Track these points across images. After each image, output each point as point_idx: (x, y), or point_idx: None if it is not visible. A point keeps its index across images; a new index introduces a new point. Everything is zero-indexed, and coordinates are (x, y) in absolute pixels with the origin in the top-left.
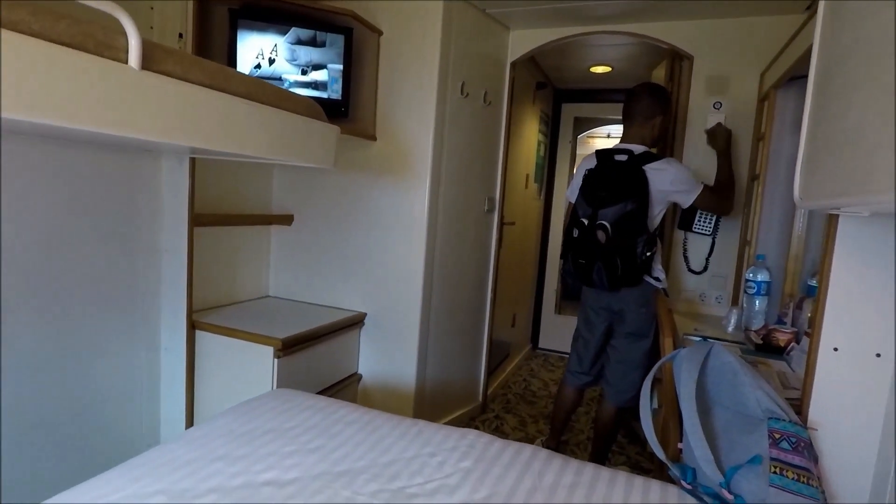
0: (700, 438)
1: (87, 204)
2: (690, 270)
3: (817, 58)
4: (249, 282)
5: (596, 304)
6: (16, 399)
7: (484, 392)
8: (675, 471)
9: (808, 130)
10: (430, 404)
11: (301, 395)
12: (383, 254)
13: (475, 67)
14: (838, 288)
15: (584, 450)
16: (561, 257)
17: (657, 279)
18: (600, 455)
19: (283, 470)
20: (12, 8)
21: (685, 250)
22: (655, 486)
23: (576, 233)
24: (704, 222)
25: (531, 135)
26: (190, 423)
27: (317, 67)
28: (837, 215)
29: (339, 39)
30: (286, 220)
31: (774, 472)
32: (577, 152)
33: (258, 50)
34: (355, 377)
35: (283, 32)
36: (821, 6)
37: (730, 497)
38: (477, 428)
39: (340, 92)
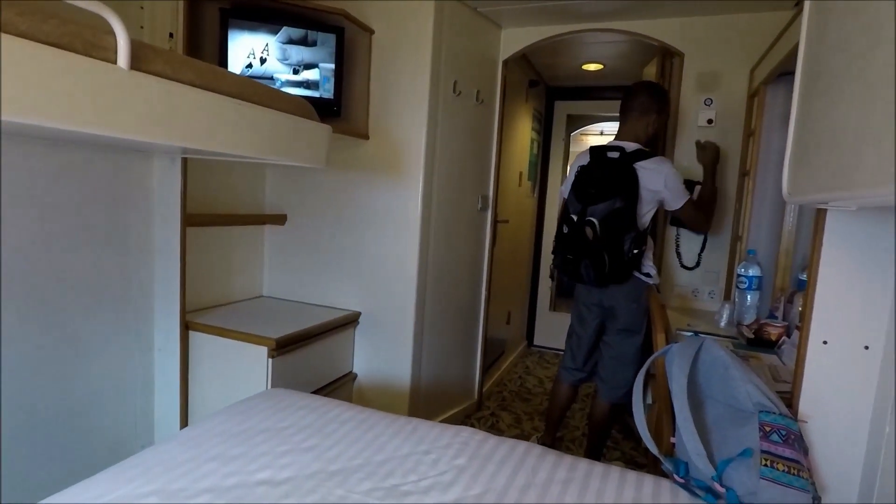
0: (692, 432)
1: (79, 204)
2: (683, 266)
3: (804, 54)
4: (243, 282)
5: (588, 301)
6: (8, 400)
7: (479, 390)
8: (667, 465)
9: (796, 126)
10: (425, 402)
11: (295, 394)
12: (377, 253)
13: (467, 66)
14: (827, 282)
15: (580, 446)
16: (552, 253)
17: (647, 275)
18: (595, 451)
19: (277, 469)
20: None
21: (678, 246)
22: (648, 481)
23: (565, 229)
24: None
25: (524, 133)
26: (184, 423)
27: (308, 67)
28: (825, 210)
29: (331, 39)
30: (279, 219)
31: (765, 465)
32: (571, 150)
33: (249, 49)
34: (350, 376)
35: (275, 32)
36: (806, 4)
37: (721, 490)
38: (472, 426)
39: (332, 91)
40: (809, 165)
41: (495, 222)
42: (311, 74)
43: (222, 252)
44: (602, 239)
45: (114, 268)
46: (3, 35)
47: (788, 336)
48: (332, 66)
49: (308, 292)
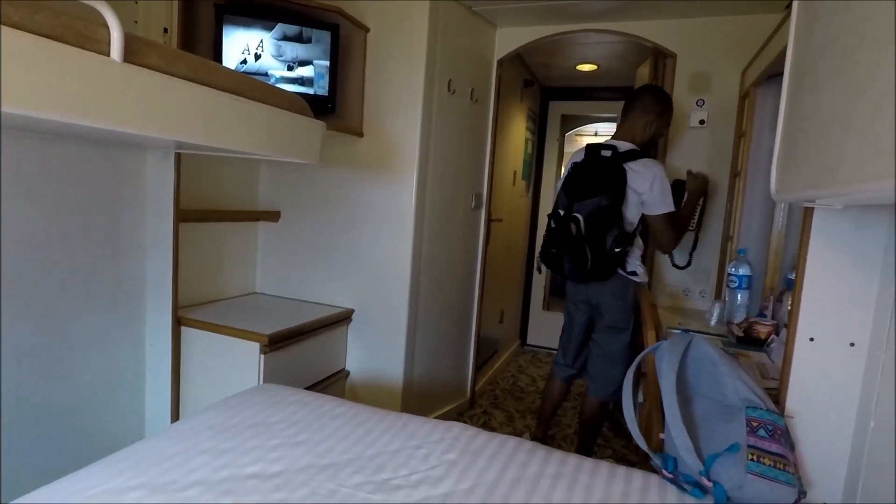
0: (680, 428)
1: (71, 199)
2: (675, 265)
3: (792, 55)
4: (236, 278)
5: (576, 298)
6: None
7: (472, 388)
8: (656, 460)
9: (784, 126)
10: (417, 400)
11: (287, 389)
12: (371, 250)
13: (462, 65)
14: (813, 279)
15: (571, 443)
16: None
17: (633, 273)
18: (586, 448)
19: (268, 463)
20: None
21: None
22: (637, 476)
23: (553, 223)
24: None
25: (518, 132)
26: (175, 418)
27: (303, 63)
28: (812, 209)
29: (326, 36)
30: (273, 216)
31: (752, 460)
32: (565, 150)
33: (244, 45)
34: (343, 374)
35: (269, 28)
36: (795, 5)
37: (708, 484)
38: (465, 423)
39: (327, 88)
40: (796, 163)
41: (489, 221)
42: (305, 71)
43: (215, 248)
44: (585, 235)
45: (106, 263)
46: None
47: (777, 335)
48: (327, 63)
49: (301, 289)
